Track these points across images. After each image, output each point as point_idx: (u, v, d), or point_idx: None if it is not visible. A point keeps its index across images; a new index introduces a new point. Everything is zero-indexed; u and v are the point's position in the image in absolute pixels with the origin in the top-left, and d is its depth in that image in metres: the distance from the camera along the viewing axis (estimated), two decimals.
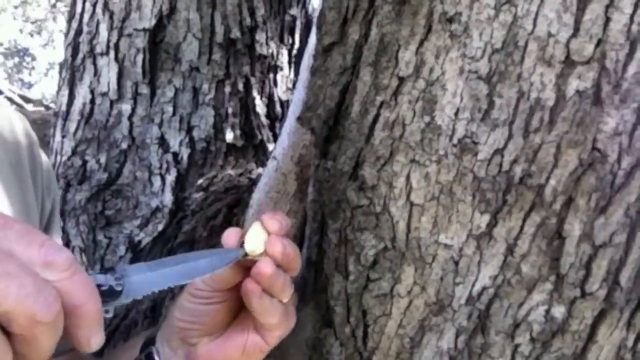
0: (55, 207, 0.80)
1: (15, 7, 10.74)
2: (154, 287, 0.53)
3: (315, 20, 0.71)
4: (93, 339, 0.43)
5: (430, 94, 0.60)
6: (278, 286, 0.60)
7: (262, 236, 0.61)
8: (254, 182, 1.02)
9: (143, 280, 0.52)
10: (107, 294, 0.48)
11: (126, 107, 1.29)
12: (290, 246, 0.61)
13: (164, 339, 0.67)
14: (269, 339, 0.64)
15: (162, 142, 1.29)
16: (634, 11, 0.52)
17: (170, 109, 1.29)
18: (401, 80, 0.62)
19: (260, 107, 1.36)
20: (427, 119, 0.60)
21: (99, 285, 0.47)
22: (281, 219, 0.61)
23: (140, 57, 1.27)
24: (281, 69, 1.41)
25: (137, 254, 1.32)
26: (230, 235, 0.61)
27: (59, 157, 1.37)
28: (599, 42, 0.53)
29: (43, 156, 0.78)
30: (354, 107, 0.65)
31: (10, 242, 0.40)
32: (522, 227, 0.59)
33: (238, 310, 0.66)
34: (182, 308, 0.65)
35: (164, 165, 1.29)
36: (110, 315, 0.49)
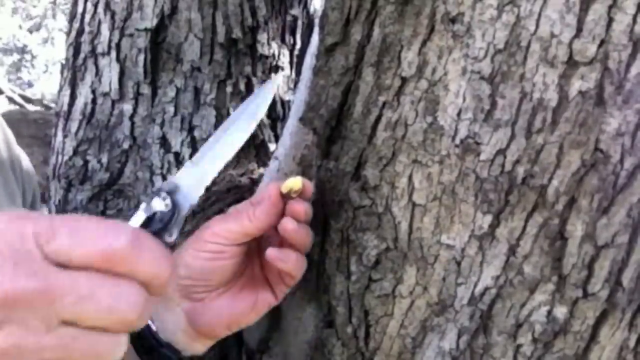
0: (36, 200, 0.82)
1: (14, 2, 10.72)
2: (208, 178, 0.54)
3: (317, 20, 0.71)
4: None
5: (432, 94, 0.60)
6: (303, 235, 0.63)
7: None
8: (255, 182, 1.02)
9: (193, 181, 0.52)
10: (165, 221, 0.48)
11: (127, 107, 1.29)
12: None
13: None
14: (279, 293, 0.66)
15: (164, 142, 1.29)
16: (637, 12, 0.52)
17: (171, 109, 1.29)
18: (404, 80, 0.62)
19: None
20: (429, 119, 0.60)
21: (152, 217, 0.47)
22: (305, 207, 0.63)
23: (141, 57, 1.28)
24: (282, 69, 1.41)
25: None
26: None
27: (60, 157, 1.37)
28: (601, 43, 0.53)
29: (21, 152, 0.81)
30: (356, 107, 0.65)
31: (63, 245, 0.39)
32: (524, 228, 0.59)
33: (244, 267, 0.66)
34: (186, 266, 0.64)
35: (166, 166, 1.29)
36: (175, 237, 0.49)
